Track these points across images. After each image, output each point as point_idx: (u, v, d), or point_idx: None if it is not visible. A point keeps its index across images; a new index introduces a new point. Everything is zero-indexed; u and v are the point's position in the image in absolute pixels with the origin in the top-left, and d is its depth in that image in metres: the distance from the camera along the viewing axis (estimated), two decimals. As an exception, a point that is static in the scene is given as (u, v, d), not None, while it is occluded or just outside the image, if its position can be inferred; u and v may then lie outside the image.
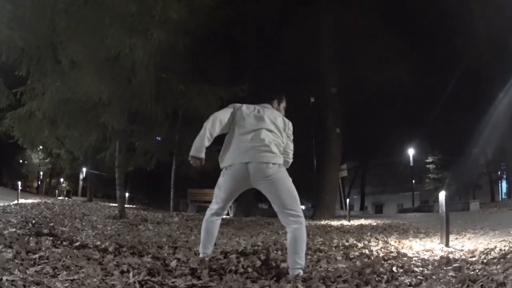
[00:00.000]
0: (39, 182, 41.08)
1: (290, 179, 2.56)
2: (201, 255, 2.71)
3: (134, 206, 18.87)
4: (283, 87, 10.77)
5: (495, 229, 4.75)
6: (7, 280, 1.67)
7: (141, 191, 30.21)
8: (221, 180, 2.65)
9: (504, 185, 24.51)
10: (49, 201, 11.68)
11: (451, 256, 2.93)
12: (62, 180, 38.51)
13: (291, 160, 2.80)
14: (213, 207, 2.71)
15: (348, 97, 14.88)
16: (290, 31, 14.77)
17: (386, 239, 4.47)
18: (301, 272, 2.36)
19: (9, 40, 5.94)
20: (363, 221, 8.74)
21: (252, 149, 2.49)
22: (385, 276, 2.26)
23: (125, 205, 8.90)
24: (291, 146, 2.79)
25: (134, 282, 2.00)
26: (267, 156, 2.48)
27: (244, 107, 2.71)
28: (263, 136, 2.53)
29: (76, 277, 1.90)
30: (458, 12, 14.15)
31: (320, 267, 2.71)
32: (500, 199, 21.01)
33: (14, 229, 3.60)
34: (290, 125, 2.76)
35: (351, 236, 4.93)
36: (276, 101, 2.88)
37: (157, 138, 10.73)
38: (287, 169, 2.81)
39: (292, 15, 14.85)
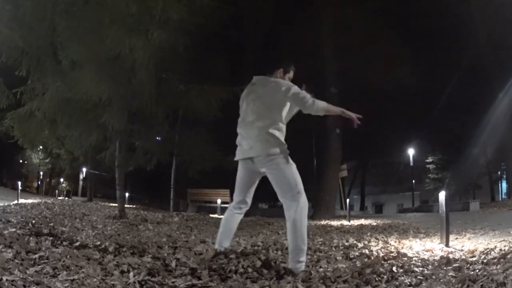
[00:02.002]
0: (39, 182, 41.15)
1: (291, 165, 2.55)
2: (216, 246, 2.74)
3: (134, 206, 18.84)
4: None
5: (495, 229, 4.74)
6: (7, 280, 1.67)
7: (141, 191, 30.24)
8: (237, 173, 2.76)
9: (504, 185, 24.52)
10: (49, 201, 11.65)
11: (451, 256, 2.93)
12: (62, 180, 38.56)
13: (311, 100, 2.52)
14: (234, 200, 2.81)
15: (348, 97, 14.87)
16: (290, 31, 14.76)
17: (386, 239, 4.47)
18: (301, 268, 2.38)
19: (9, 40, 5.96)
20: (363, 221, 8.72)
21: (250, 142, 2.58)
22: (385, 276, 2.26)
23: (125, 205, 8.88)
24: (300, 96, 2.53)
25: (134, 282, 2.00)
26: (263, 147, 2.54)
27: (244, 94, 2.82)
28: (256, 127, 2.58)
29: (76, 277, 1.90)
30: (458, 12, 14.16)
31: (320, 267, 2.70)
32: (500, 199, 21.01)
33: (14, 229, 3.59)
34: (290, 92, 2.54)
35: (351, 236, 4.92)
36: (281, 70, 2.74)
37: (157, 138, 10.73)
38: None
39: (292, 15, 14.84)
